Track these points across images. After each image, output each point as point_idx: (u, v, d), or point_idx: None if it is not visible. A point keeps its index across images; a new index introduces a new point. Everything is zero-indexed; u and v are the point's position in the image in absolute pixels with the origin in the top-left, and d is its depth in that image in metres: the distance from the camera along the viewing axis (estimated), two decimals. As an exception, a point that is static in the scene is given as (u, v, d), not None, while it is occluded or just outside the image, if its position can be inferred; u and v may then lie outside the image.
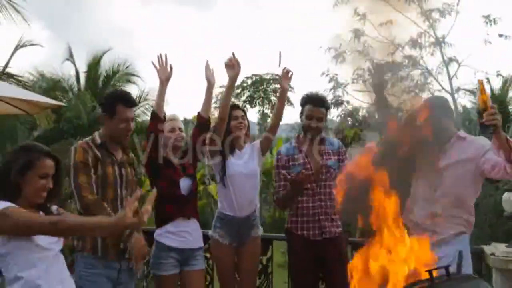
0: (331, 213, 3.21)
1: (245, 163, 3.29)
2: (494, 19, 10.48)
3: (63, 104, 4.22)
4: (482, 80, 2.51)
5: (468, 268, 2.64)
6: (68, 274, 2.21)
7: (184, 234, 3.07)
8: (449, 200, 2.74)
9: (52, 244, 2.11)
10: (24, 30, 10.03)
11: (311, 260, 3.16)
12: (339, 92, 10.41)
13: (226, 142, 3.28)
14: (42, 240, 2.06)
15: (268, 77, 18.51)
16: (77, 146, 2.74)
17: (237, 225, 3.24)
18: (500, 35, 10.49)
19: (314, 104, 3.25)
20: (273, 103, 18.15)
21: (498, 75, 10.82)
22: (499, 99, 12.70)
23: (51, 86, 12.67)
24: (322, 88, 10.84)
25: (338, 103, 10.26)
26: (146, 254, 2.81)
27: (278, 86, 18.55)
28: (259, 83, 18.39)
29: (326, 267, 3.18)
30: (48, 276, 2.05)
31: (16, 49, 10.85)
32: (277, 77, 18.61)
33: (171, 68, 3.09)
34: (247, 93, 18.30)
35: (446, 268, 1.93)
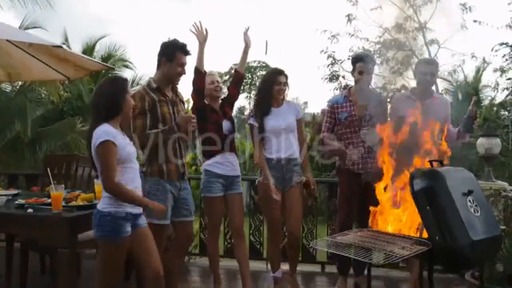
0: (373, 150, 3.78)
1: (283, 119, 3.82)
2: (469, 6, 11.71)
3: (111, 66, 4.70)
4: (476, 99, 3.49)
5: None
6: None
7: (227, 164, 3.77)
8: None
9: (135, 159, 2.81)
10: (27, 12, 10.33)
11: (355, 189, 3.82)
12: (335, 67, 11.43)
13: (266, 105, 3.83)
14: (132, 155, 2.76)
15: (255, 64, 19.20)
16: (135, 94, 3.20)
17: (280, 168, 3.76)
18: (475, 21, 11.69)
19: (365, 61, 3.88)
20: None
21: (472, 56, 11.86)
22: (472, 86, 13.76)
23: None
24: (320, 64, 12.09)
25: (334, 77, 11.30)
26: (189, 118, 3.26)
27: (264, 72, 19.39)
28: (246, 70, 19.03)
29: (366, 192, 3.67)
30: (133, 182, 2.72)
31: (19, 31, 11.14)
32: (264, 64, 19.62)
33: (206, 31, 3.65)
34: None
35: (441, 161, 2.74)
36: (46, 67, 5.01)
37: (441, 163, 2.70)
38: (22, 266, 3.73)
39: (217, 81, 3.89)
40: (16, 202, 3.16)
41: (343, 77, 11.64)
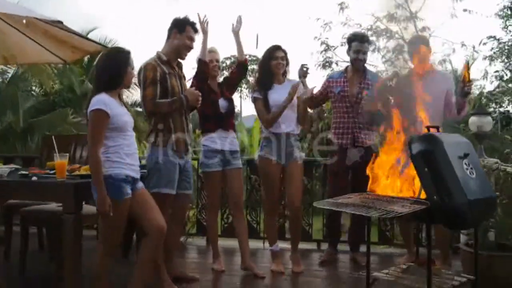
0: (364, 127, 3.99)
1: (284, 94, 3.79)
2: (460, -4, 11.88)
3: (108, 47, 4.65)
4: (468, 62, 3.56)
5: None
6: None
7: (224, 139, 3.81)
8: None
9: (131, 128, 2.89)
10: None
11: (343, 163, 3.93)
12: (329, 54, 11.61)
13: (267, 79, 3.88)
14: (129, 124, 2.84)
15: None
16: (146, 65, 3.31)
17: (279, 142, 3.82)
18: (465, 10, 11.96)
19: (361, 40, 4.05)
20: (250, 82, 18.82)
21: (462, 45, 12.05)
22: (459, 79, 14.03)
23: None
24: (313, 50, 12.31)
25: (328, 64, 11.49)
26: (198, 95, 3.38)
27: (255, 67, 19.41)
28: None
29: (355, 169, 3.89)
30: (130, 148, 2.80)
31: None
32: (254, 58, 19.60)
33: (207, 23, 3.67)
34: (226, 73, 18.93)
35: (437, 127, 2.83)
36: (42, 50, 4.97)
37: (437, 128, 2.79)
38: (23, 243, 3.77)
39: (216, 60, 3.93)
40: (19, 173, 3.19)
41: (336, 63, 11.82)
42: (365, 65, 4.19)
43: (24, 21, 4.43)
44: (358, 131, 4.00)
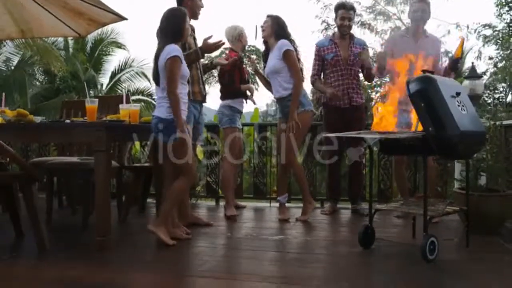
0: (357, 87, 4.41)
1: (268, 64, 4.16)
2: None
3: (124, 17, 4.76)
4: (463, 38, 3.85)
5: None
6: None
7: (243, 103, 4.42)
8: None
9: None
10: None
11: (339, 123, 4.28)
12: (329, 32, 11.94)
13: None
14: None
15: (246, 48, 19.39)
16: None
17: (279, 103, 4.19)
18: None
19: (347, 8, 4.42)
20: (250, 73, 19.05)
21: (457, 26, 12.37)
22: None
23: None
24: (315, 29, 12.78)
25: None
26: (212, 45, 3.65)
27: (255, 57, 19.66)
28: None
29: (350, 124, 4.18)
30: (186, 96, 3.24)
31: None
32: (253, 48, 19.91)
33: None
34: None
35: (432, 72, 3.12)
36: (58, 23, 5.11)
37: (430, 72, 3.08)
38: (48, 191, 4.06)
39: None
40: (50, 120, 3.47)
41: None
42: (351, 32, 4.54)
43: (46, -8, 4.67)
44: (352, 92, 4.38)
